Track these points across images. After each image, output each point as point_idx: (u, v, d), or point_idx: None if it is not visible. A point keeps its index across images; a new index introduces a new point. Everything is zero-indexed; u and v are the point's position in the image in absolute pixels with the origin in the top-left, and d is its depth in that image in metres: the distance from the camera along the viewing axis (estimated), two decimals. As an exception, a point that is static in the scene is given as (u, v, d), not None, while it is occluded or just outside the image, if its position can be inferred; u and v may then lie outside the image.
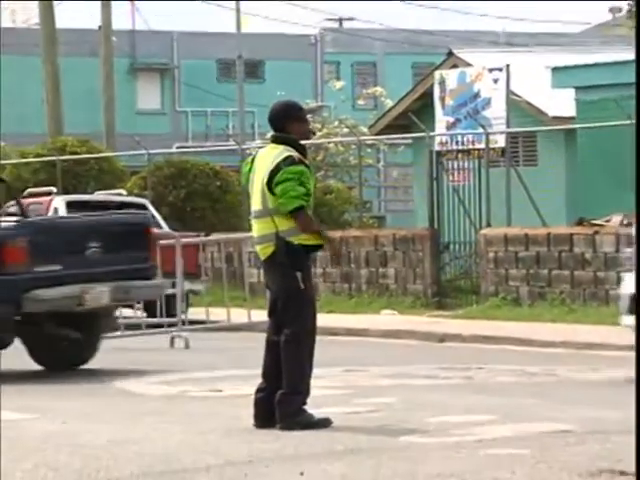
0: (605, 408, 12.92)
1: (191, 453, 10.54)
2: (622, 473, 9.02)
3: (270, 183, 11.52)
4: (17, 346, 18.69)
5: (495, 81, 25.45)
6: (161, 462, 10.14)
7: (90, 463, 10.21)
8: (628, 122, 24.50)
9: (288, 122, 11.81)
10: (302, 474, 9.24)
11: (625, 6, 50.23)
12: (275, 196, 11.57)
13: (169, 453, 10.59)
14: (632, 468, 8.98)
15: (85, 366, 18.54)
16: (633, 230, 22.49)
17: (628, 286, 16.28)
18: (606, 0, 67.64)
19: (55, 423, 12.79)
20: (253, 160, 12.01)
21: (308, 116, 12.54)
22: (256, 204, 11.72)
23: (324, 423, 11.47)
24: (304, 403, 11.51)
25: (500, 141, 25.63)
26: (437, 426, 11.65)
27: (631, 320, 15.92)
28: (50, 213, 27.26)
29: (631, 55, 31.73)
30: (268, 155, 11.69)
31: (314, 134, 12.10)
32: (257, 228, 11.82)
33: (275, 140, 11.80)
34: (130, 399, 15.39)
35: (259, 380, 11.81)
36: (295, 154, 11.51)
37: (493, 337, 21.65)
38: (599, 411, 12.67)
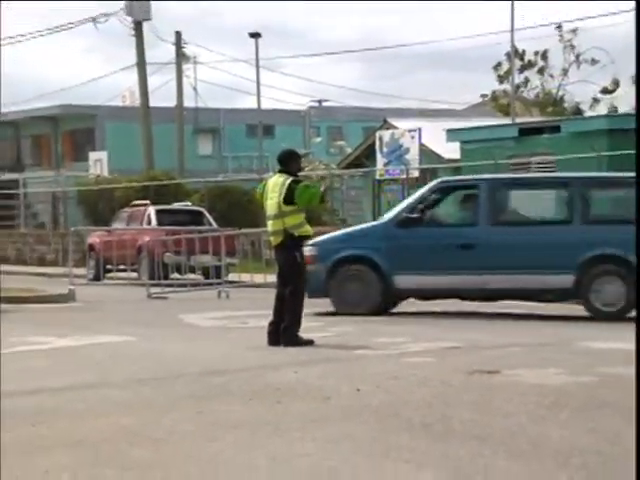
0: (485, 332, 14.15)
1: (228, 361, 11.93)
2: (489, 372, 10.28)
3: (287, 199, 12.94)
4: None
5: (412, 137, 28.80)
6: (209, 365, 11.53)
7: (166, 366, 11.70)
8: (492, 162, 26.99)
9: (289, 161, 13.47)
10: (296, 372, 10.61)
11: (488, 92, 54.68)
12: (302, 199, 13.01)
13: (214, 360, 11.97)
14: (497, 368, 10.38)
15: (163, 309, 19.65)
16: None
17: None
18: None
19: (146, 343, 14.18)
20: (265, 184, 13.71)
21: (300, 158, 14.21)
22: (271, 210, 13.17)
23: (310, 342, 13.01)
24: (298, 330, 13.10)
25: (415, 173, 29.08)
26: (378, 344, 12.97)
27: None
28: (145, 218, 28.89)
29: (494, 121, 37.29)
30: (277, 181, 13.28)
31: (303, 169, 13.17)
32: (271, 225, 13.28)
33: (281, 172, 13.41)
34: (189, 328, 16.72)
35: (270, 317, 13.31)
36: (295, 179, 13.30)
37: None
38: (477, 334, 13.84)
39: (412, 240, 17.58)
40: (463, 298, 17.92)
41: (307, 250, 16.24)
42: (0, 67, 72.05)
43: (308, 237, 13.84)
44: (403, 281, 17.60)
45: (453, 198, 19.01)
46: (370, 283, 17.66)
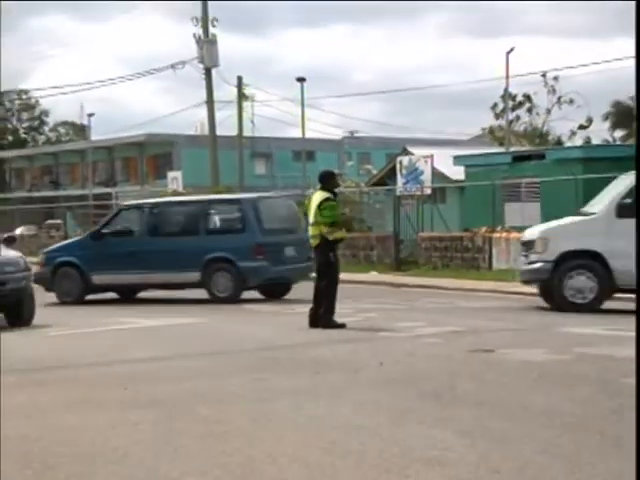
0: (484, 319, 13.98)
1: (278, 339, 11.99)
2: (487, 351, 10.19)
3: (320, 207, 12.95)
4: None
5: (426, 162, 27.94)
6: (263, 342, 11.69)
7: (229, 342, 11.91)
8: (490, 183, 26.49)
9: (328, 180, 13.39)
10: (331, 349, 10.76)
11: (487, 126, 54.20)
12: (322, 215, 12.91)
13: (267, 338, 12.09)
14: (493, 347, 10.28)
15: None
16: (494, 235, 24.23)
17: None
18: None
19: (215, 323, 14.33)
20: (309, 197, 13.75)
21: (336, 177, 13.99)
22: (311, 218, 13.18)
23: (342, 325, 12.91)
24: (333, 315, 13.01)
25: (428, 191, 28.34)
26: (398, 328, 12.91)
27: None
28: None
29: (492, 150, 36.60)
30: (318, 195, 13.25)
31: (339, 186, 13.11)
32: (311, 230, 13.25)
33: (322, 189, 13.31)
34: (251, 313, 16.59)
35: (311, 304, 13.23)
36: (331, 195, 13.19)
37: (426, 285, 21.70)
38: (477, 321, 13.73)
39: (102, 248, 19.43)
40: (138, 290, 20.25)
41: (39, 257, 20.64)
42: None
43: (342, 240, 13.59)
44: (97, 279, 19.38)
45: (128, 217, 20.32)
46: (75, 280, 19.53)
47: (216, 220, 19.36)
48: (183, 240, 18.92)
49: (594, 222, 15.63)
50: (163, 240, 19.01)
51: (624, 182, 16.02)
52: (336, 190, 13.76)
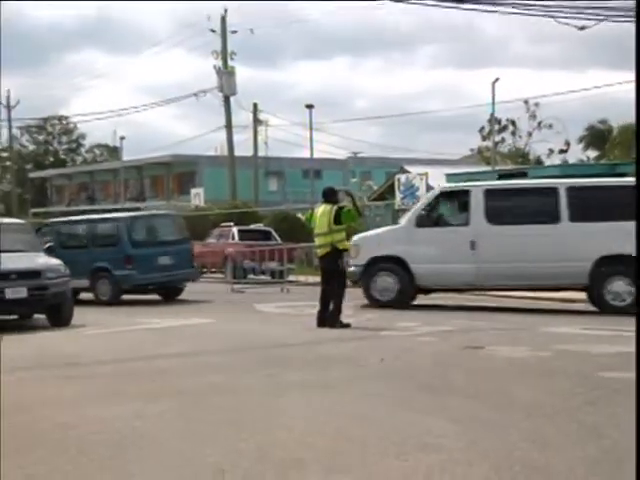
0: (472, 319, 13.90)
1: (288, 337, 11.85)
2: (476, 347, 10.17)
3: (336, 220, 12.79)
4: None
5: (421, 179, 27.58)
6: (274, 340, 11.53)
7: (243, 340, 11.77)
8: None
9: (330, 195, 13.31)
10: (337, 347, 10.58)
11: (476, 147, 53.90)
12: (340, 222, 12.80)
13: (278, 337, 11.94)
14: (481, 345, 10.26)
15: (240, 299, 19.44)
16: None
17: None
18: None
19: (230, 324, 14.26)
20: (312, 212, 13.59)
21: (337, 193, 13.71)
22: (320, 229, 12.95)
23: (347, 325, 12.83)
24: (339, 316, 12.92)
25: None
26: (396, 327, 12.83)
27: None
28: (230, 235, 28.39)
29: (480, 168, 35.55)
30: (325, 209, 13.07)
31: (341, 201, 13.16)
32: (321, 239, 13.03)
33: (326, 202, 13.22)
34: (260, 313, 16.43)
35: (317, 306, 13.14)
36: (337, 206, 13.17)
37: None
38: (467, 321, 13.62)
39: None
40: None
41: None
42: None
43: (346, 250, 13.51)
44: None
45: (49, 232, 21.15)
46: None
47: (100, 236, 20.36)
48: (80, 252, 19.73)
49: (398, 231, 16.59)
50: (67, 252, 19.09)
51: (427, 196, 17.49)
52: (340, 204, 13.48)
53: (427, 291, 16.54)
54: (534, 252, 15.41)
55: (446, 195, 16.82)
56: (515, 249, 15.51)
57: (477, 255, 15.68)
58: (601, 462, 5.16)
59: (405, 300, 16.11)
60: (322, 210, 13.11)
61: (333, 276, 12.91)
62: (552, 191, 15.59)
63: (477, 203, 15.79)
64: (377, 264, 16.19)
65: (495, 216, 15.71)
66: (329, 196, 13.26)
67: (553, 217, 15.48)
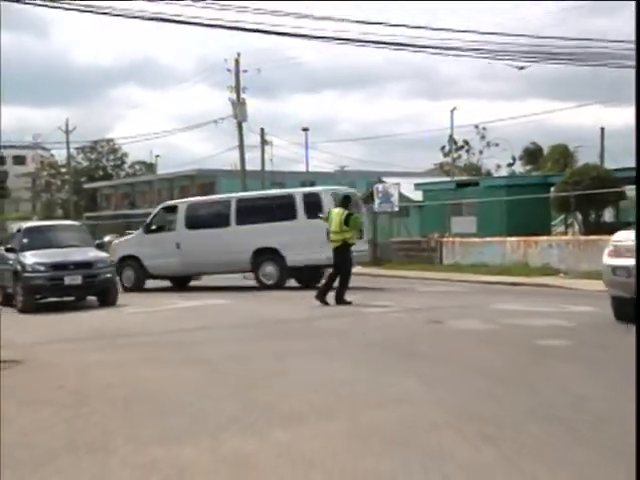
0: (436, 300, 13.61)
1: (291, 314, 11.61)
2: (437, 322, 9.75)
3: (345, 222, 12.74)
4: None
5: (395, 188, 26.98)
6: (279, 317, 11.05)
7: (253, 317, 11.51)
8: (440, 202, 26.12)
9: (346, 202, 13.19)
10: (329, 322, 10.33)
11: (438, 162, 52.48)
12: (348, 225, 12.72)
13: (282, 314, 11.69)
14: (443, 319, 10.07)
15: (250, 285, 17.85)
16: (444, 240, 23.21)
17: None
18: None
19: (242, 304, 13.86)
20: (330, 212, 13.29)
21: (350, 200, 13.58)
22: (335, 228, 12.83)
23: (350, 302, 12.59)
24: (344, 294, 12.68)
25: (396, 209, 26.94)
26: (375, 305, 12.63)
27: None
28: None
29: (442, 179, 34.64)
30: (339, 211, 12.96)
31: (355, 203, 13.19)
32: (335, 236, 12.89)
33: (341, 206, 13.13)
34: (267, 296, 15.70)
35: (323, 282, 13.22)
36: (349, 211, 13.03)
37: (395, 276, 20.81)
38: (431, 301, 13.40)
39: None
40: None
41: None
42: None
43: (353, 244, 13.18)
44: None
45: None
46: None
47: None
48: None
49: (136, 237, 18.69)
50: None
51: (154, 211, 18.78)
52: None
53: (155, 277, 18.24)
54: (215, 248, 17.26)
55: (165, 209, 18.70)
56: (204, 247, 17.40)
57: (181, 252, 17.74)
58: (537, 411, 5.11)
59: (140, 285, 18.05)
60: (337, 211, 13.06)
61: (343, 263, 12.86)
62: (227, 202, 17.52)
63: (181, 214, 17.84)
64: (125, 260, 18.10)
65: (191, 223, 17.73)
66: (344, 202, 13.27)
67: (226, 222, 17.32)
